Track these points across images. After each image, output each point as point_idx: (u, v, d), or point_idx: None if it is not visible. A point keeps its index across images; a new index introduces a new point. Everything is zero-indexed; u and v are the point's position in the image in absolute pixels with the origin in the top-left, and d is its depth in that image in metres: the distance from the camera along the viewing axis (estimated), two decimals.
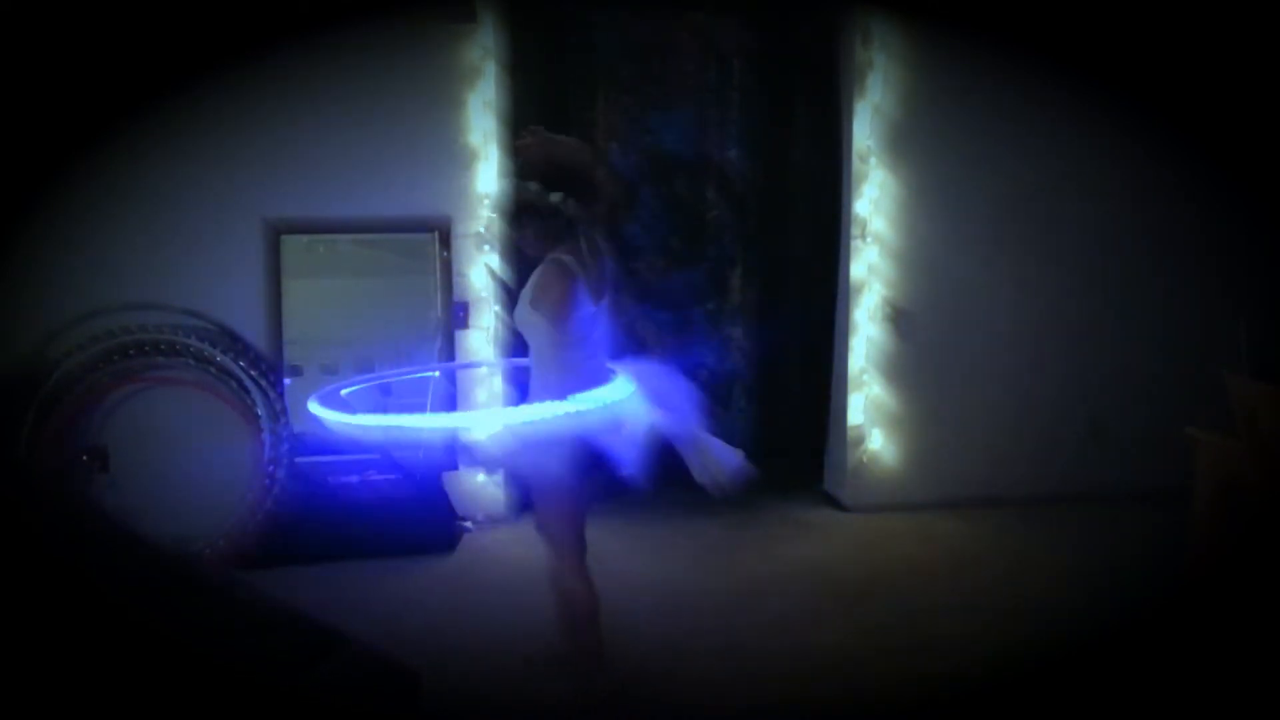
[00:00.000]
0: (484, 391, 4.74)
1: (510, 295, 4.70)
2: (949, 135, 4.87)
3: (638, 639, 3.54)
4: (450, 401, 4.67)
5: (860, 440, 5.00)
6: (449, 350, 4.70)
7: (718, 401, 5.00)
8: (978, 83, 4.82)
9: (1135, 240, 5.08)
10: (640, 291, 4.92)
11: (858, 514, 4.96)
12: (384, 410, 3.49)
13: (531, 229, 2.98)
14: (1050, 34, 4.60)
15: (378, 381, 3.83)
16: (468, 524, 4.67)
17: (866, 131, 4.83)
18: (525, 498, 3.11)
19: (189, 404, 4.41)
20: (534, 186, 2.91)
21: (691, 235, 5.01)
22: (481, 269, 4.67)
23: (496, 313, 4.70)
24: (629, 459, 2.88)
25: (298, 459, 4.45)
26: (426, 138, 4.57)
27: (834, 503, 5.11)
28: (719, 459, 3.01)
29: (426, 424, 3.38)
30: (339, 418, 2.95)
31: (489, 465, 3.27)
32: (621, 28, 4.81)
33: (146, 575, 1.99)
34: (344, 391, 3.34)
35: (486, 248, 4.67)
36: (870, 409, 4.98)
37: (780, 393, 5.16)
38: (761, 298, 5.11)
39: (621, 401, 2.83)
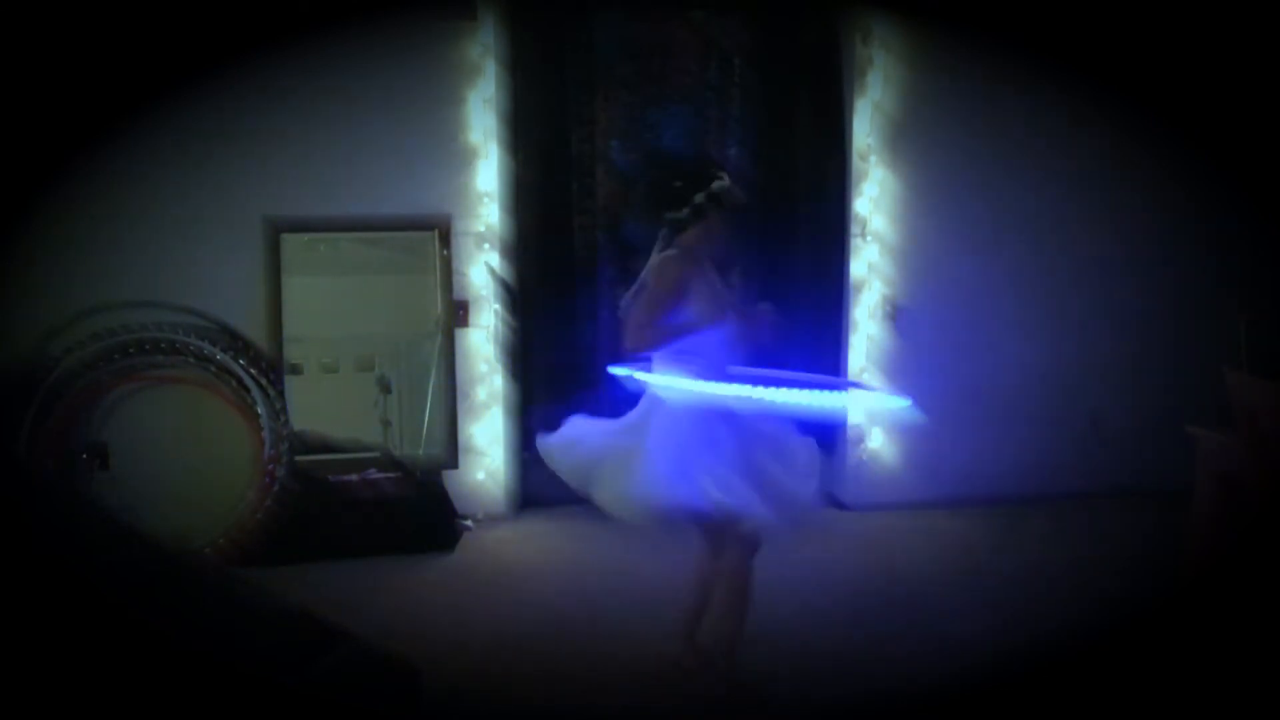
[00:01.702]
0: (484, 390, 4.74)
1: (510, 293, 4.70)
2: (949, 133, 4.87)
3: (636, 638, 3.53)
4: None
5: (860, 439, 5.00)
6: (449, 348, 4.69)
7: None
8: (978, 81, 4.83)
9: (1135, 238, 5.08)
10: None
11: (858, 512, 4.96)
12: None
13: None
14: (1050, 33, 4.60)
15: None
16: (468, 522, 4.67)
17: (867, 129, 4.83)
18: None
19: (189, 402, 4.41)
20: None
21: None
22: (481, 267, 4.67)
23: (496, 311, 4.70)
24: None
25: (298, 457, 4.46)
26: (427, 136, 4.57)
27: (834, 501, 5.11)
28: None
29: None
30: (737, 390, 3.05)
31: None
32: (621, 26, 4.81)
33: (146, 573, 1.98)
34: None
35: (486, 246, 4.67)
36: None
37: None
38: (762, 295, 5.09)
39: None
